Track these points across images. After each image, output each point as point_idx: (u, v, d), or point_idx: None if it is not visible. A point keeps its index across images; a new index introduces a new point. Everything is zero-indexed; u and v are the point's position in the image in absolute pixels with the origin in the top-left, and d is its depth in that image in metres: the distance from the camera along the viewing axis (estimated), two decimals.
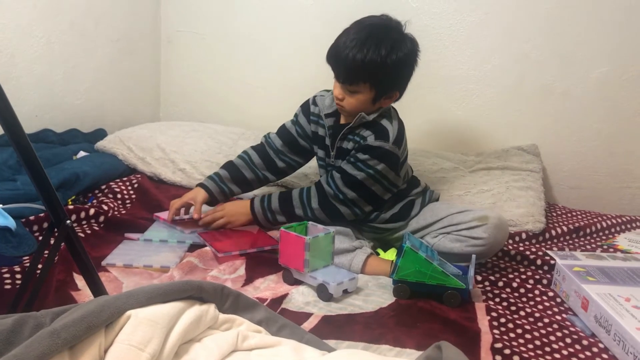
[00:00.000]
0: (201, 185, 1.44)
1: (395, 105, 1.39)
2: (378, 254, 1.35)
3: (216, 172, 1.47)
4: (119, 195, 1.59)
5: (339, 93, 1.29)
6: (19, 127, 0.78)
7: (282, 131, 1.48)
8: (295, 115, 1.47)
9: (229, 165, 1.47)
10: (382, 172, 1.30)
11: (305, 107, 1.45)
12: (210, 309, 0.74)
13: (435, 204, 1.42)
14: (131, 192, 1.63)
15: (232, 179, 1.45)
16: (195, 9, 2.24)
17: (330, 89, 1.40)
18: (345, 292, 1.14)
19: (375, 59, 1.21)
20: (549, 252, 1.38)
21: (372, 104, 1.30)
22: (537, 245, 1.52)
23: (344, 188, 1.31)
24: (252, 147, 1.50)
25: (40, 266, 0.94)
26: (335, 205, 1.33)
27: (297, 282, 1.18)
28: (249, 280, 1.19)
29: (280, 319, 0.81)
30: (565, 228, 1.61)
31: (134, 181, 1.68)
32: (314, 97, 1.44)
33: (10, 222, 1.22)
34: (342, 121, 1.36)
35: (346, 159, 1.33)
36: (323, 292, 1.12)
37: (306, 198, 1.35)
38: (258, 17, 2.16)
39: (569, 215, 1.78)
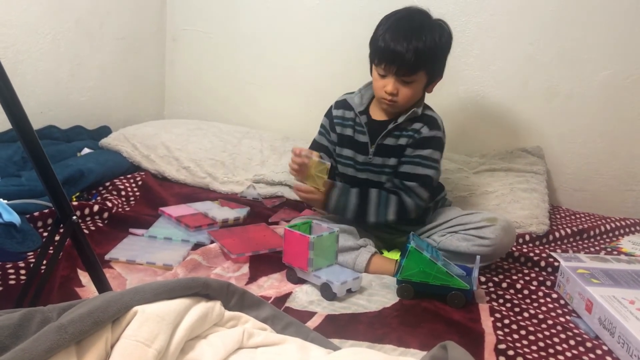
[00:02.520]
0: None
1: None
2: (382, 254, 1.35)
3: None
4: (123, 193, 1.59)
5: (393, 88, 1.27)
6: (27, 123, 0.79)
7: (315, 146, 1.45)
8: (322, 126, 1.46)
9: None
10: (439, 159, 1.34)
11: (328, 114, 1.45)
12: (216, 306, 0.74)
13: (447, 208, 1.43)
14: (135, 189, 1.63)
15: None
16: (201, 8, 2.24)
17: (350, 92, 1.42)
18: (349, 292, 1.14)
19: (432, 44, 1.25)
20: (552, 254, 1.38)
21: (423, 92, 1.32)
22: (541, 247, 1.51)
23: (423, 193, 1.31)
24: None
25: (45, 261, 0.94)
26: (411, 212, 1.31)
27: (301, 281, 1.18)
28: (252, 278, 1.19)
29: (285, 317, 0.81)
30: (569, 230, 1.61)
31: (138, 179, 1.68)
32: (336, 101, 1.44)
33: (15, 218, 1.22)
34: (378, 117, 1.36)
35: (407, 160, 1.31)
36: (327, 291, 1.12)
37: (384, 209, 1.31)
38: (263, 17, 2.16)
39: (573, 217, 1.78)
